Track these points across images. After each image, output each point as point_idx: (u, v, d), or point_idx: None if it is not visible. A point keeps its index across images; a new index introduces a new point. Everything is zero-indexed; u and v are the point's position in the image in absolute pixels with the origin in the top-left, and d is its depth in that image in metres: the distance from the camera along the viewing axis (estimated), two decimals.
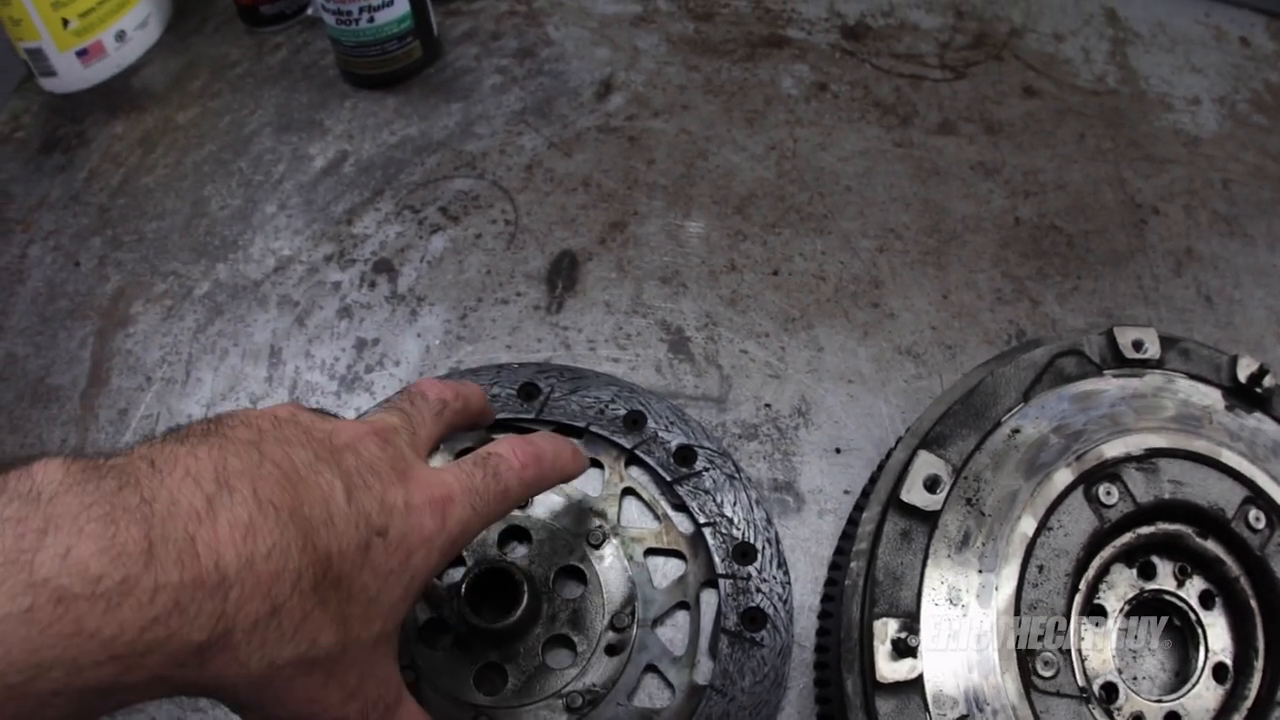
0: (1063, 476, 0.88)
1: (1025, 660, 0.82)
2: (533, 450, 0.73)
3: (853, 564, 0.87)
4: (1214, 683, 0.91)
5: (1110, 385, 0.95)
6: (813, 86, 1.23)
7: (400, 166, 1.15)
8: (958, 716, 0.79)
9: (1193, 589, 0.94)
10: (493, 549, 0.92)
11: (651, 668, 0.88)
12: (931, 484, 0.85)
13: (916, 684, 0.79)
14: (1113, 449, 0.91)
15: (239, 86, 1.25)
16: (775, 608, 0.89)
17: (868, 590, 0.83)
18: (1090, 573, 0.91)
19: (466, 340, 1.03)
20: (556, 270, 1.07)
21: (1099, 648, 0.91)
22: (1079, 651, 0.89)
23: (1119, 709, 0.88)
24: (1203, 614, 0.93)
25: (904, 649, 0.79)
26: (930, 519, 0.85)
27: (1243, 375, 0.96)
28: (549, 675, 0.88)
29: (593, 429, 0.96)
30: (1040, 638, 0.83)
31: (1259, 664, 0.90)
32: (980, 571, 0.84)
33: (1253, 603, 0.92)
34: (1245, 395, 0.96)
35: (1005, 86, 1.27)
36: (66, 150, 1.25)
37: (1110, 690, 0.89)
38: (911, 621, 0.81)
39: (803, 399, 0.99)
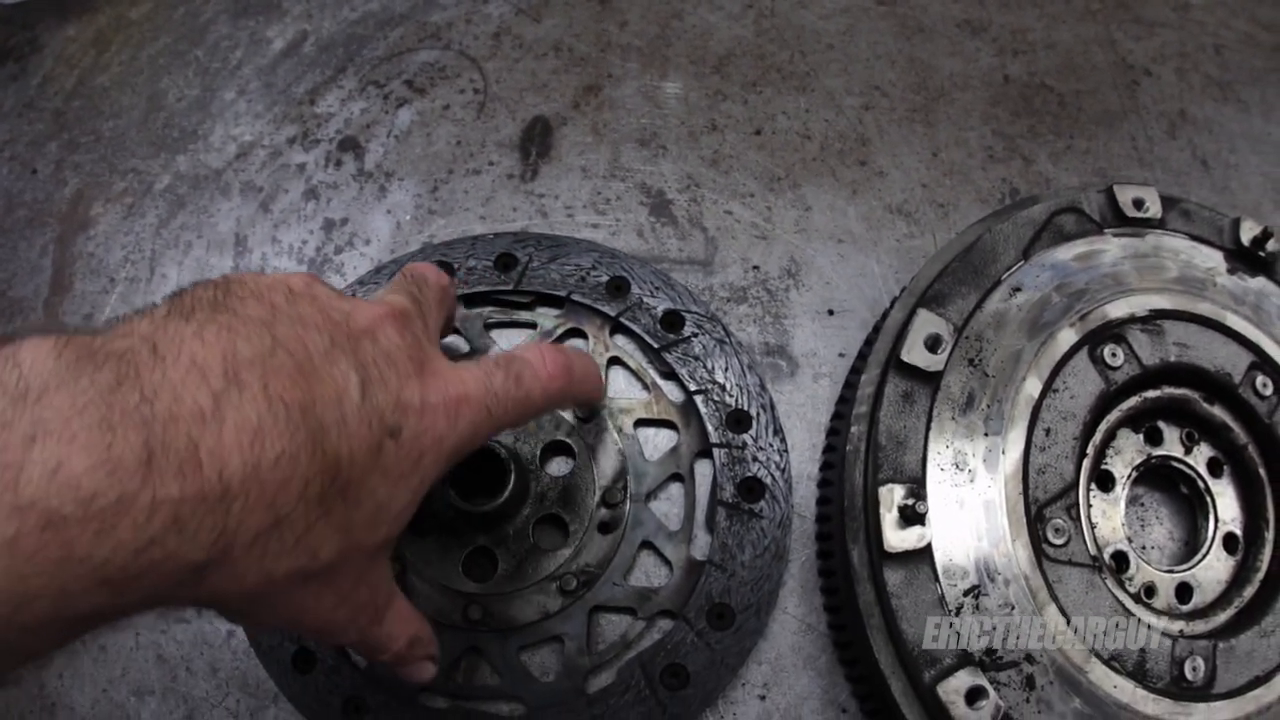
0: (1067, 336, 0.79)
1: (1035, 527, 0.73)
2: (563, 360, 0.61)
3: (853, 428, 0.78)
4: (1225, 553, 0.84)
5: (1111, 244, 0.86)
6: None
7: (362, 42, 0.99)
8: (969, 587, 0.70)
9: (1200, 456, 0.86)
10: None
11: (647, 544, 0.78)
12: (932, 343, 0.76)
13: (925, 553, 0.70)
14: (1116, 309, 0.81)
15: None
16: (773, 477, 0.77)
17: (870, 455, 0.75)
18: (1097, 438, 0.82)
19: (439, 214, 0.89)
20: (529, 137, 0.92)
21: (1108, 515, 0.82)
22: (1089, 519, 0.80)
23: (1130, 579, 0.80)
24: (1211, 482, 0.85)
25: (911, 516, 0.70)
26: (932, 380, 0.76)
27: (1246, 238, 0.86)
28: (541, 557, 0.76)
29: (574, 297, 0.83)
30: (1050, 504, 0.75)
31: (1269, 535, 0.83)
32: (986, 435, 0.76)
33: (1261, 471, 0.84)
34: (1248, 259, 0.87)
35: None
36: (19, 59, 1.09)
37: (1121, 559, 0.81)
38: (918, 487, 0.73)
39: (792, 260, 0.87)
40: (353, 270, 0.88)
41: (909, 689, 0.69)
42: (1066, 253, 0.83)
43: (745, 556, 0.76)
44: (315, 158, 0.95)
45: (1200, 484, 0.85)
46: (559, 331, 0.83)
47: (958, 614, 0.69)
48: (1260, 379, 0.84)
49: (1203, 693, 0.72)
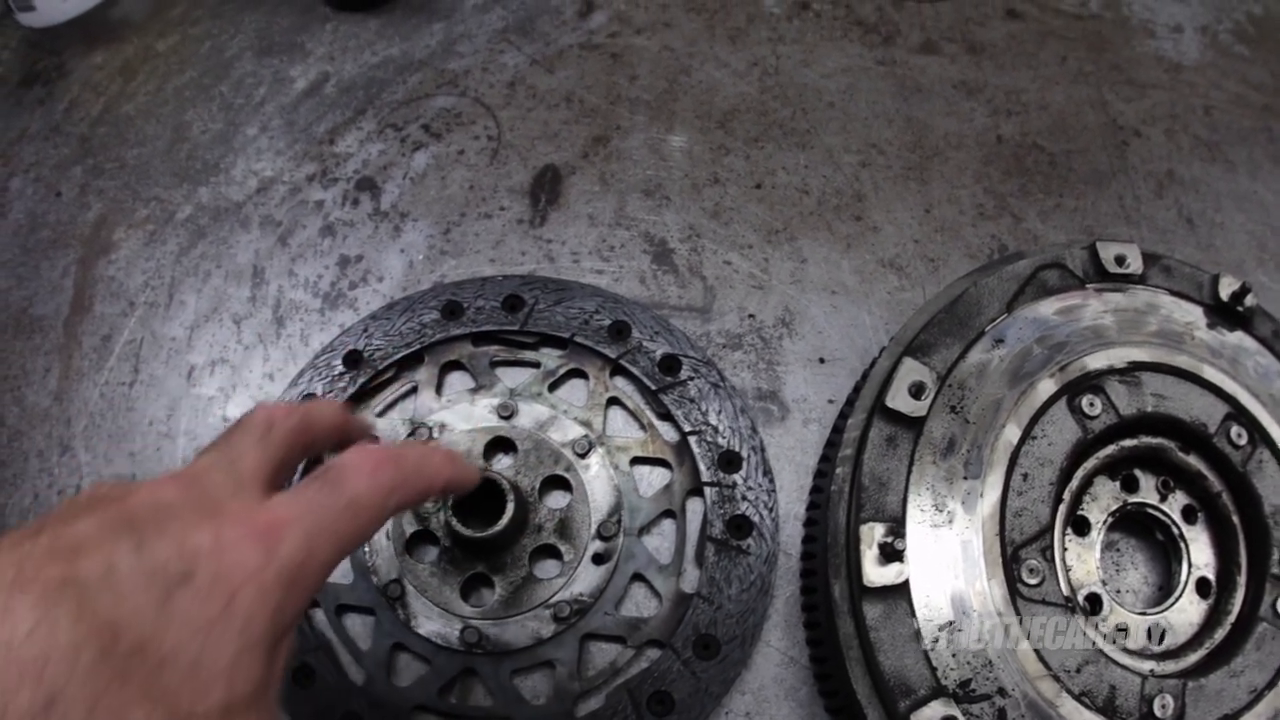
0: (1046, 386, 0.85)
1: (1011, 568, 0.79)
2: (387, 455, 0.58)
3: (838, 470, 0.83)
4: (1197, 597, 0.89)
5: (1093, 299, 0.92)
6: (795, 5, 1.16)
7: (382, 86, 1.08)
8: (945, 622, 0.76)
9: (1175, 503, 0.92)
10: (478, 460, 0.87)
11: (638, 576, 0.85)
12: (916, 390, 0.82)
13: (903, 589, 0.76)
14: (1095, 361, 0.88)
15: (219, 13, 1.17)
16: (761, 515, 0.85)
17: (854, 495, 0.81)
18: (1074, 484, 0.89)
19: (450, 254, 0.97)
20: (539, 184, 1.01)
21: (1083, 559, 0.88)
22: (1064, 562, 0.86)
23: (1103, 620, 0.86)
24: (1185, 528, 0.91)
25: (891, 553, 0.77)
26: (915, 425, 0.82)
27: (1225, 293, 0.92)
28: (536, 586, 0.83)
29: (577, 339, 0.91)
30: (1026, 545, 0.81)
31: (1241, 579, 0.88)
32: (966, 478, 0.81)
33: (1235, 519, 0.90)
34: (1227, 313, 0.93)
35: (988, 8, 1.21)
36: (46, 83, 1.18)
37: (1094, 601, 0.87)
38: (898, 526, 0.79)
39: (786, 309, 0.94)
40: (365, 306, 0.96)
41: (885, 719, 0.75)
42: (1049, 307, 0.90)
43: (732, 591, 0.83)
44: (333, 195, 1.03)
45: (1175, 530, 0.91)
46: (561, 372, 0.90)
47: (934, 648, 0.74)
48: (1235, 429, 0.89)
49: None
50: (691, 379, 0.89)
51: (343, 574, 0.85)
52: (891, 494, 0.79)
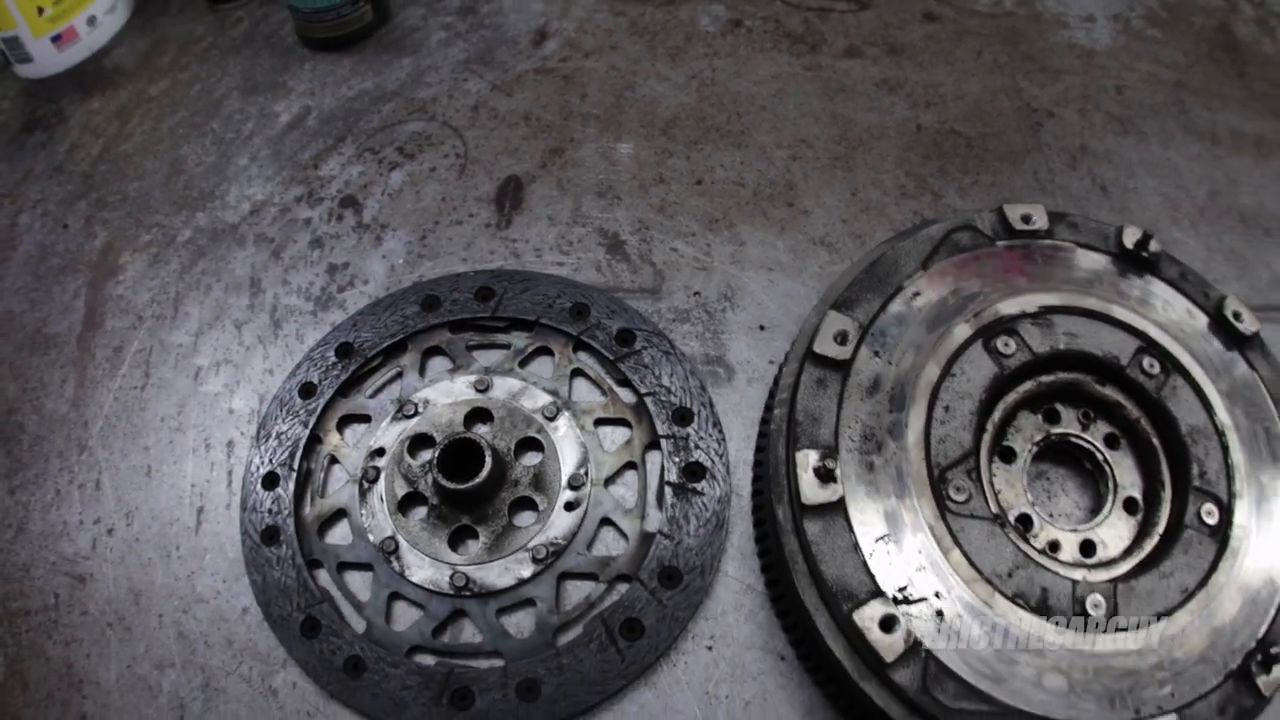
0: (962, 330, 0.94)
1: (939, 487, 0.87)
2: None
3: (776, 411, 0.92)
4: (1125, 514, 0.97)
5: (1001, 254, 0.99)
6: (728, 23, 1.31)
7: (359, 116, 1.23)
8: (880, 534, 0.84)
9: (1098, 432, 1.00)
10: (460, 427, 0.99)
11: (606, 520, 0.96)
12: (841, 338, 0.91)
13: (839, 505, 0.84)
14: (1008, 307, 0.97)
15: (206, 58, 1.32)
16: (713, 460, 0.97)
17: (790, 430, 0.88)
18: (996, 416, 0.97)
19: (427, 257, 1.11)
20: (504, 193, 1.14)
21: (1012, 484, 0.97)
22: (991, 485, 0.94)
23: (1035, 536, 0.94)
24: (1109, 454, 0.99)
25: (826, 475, 0.85)
26: (842, 367, 0.91)
27: (1129, 242, 1.01)
28: (516, 533, 0.95)
29: (543, 321, 1.04)
30: (952, 468, 0.88)
31: (1166, 495, 0.96)
32: (891, 411, 0.90)
33: (1155, 441, 0.98)
34: (1134, 260, 1.02)
35: (907, 14, 1.36)
36: (46, 128, 1.32)
37: (1026, 521, 0.95)
38: (831, 451, 0.86)
39: (728, 286, 1.07)
40: (353, 305, 1.07)
41: (831, 623, 0.81)
42: (962, 262, 0.98)
43: (690, 527, 0.95)
44: (320, 213, 1.15)
45: (1099, 456, 0.98)
46: (529, 350, 1.02)
47: (871, 556, 0.82)
48: (1147, 360, 0.97)
49: (1106, 626, 0.84)
50: (645, 348, 1.02)
51: (342, 536, 0.97)
52: (824, 427, 0.87)
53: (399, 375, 1.04)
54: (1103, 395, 0.99)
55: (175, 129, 1.26)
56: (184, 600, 0.96)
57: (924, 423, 0.90)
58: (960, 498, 0.88)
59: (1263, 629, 0.88)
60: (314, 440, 1.01)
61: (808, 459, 0.85)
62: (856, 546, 0.83)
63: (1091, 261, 1.02)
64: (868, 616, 0.80)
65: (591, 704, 0.88)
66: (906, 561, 0.83)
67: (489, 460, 0.92)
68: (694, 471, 0.96)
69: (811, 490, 0.84)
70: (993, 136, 1.24)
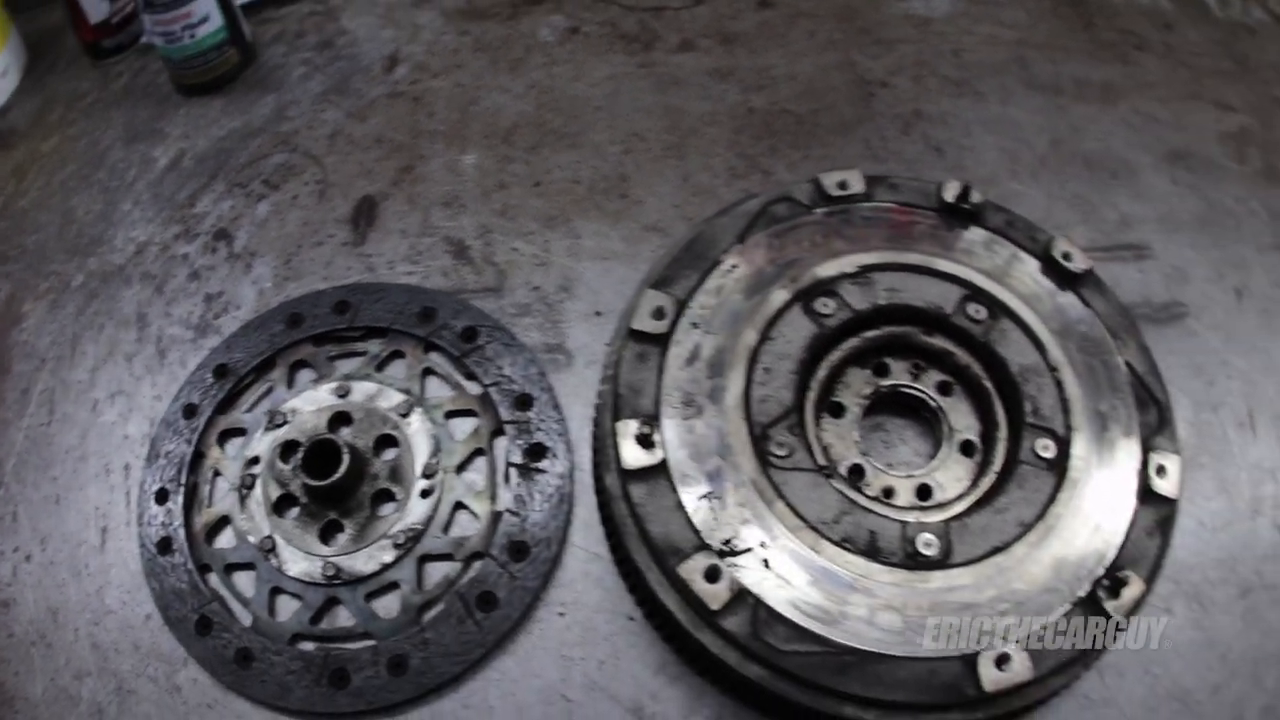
0: (780, 296, 0.99)
1: (760, 444, 0.92)
2: None
3: (602, 387, 0.99)
4: (962, 457, 1.01)
5: (821, 221, 1.05)
6: (566, 32, 1.40)
7: (229, 153, 1.32)
8: (704, 493, 0.89)
9: (929, 380, 1.05)
10: (323, 431, 1.09)
11: (459, 504, 1.05)
12: (657, 313, 0.97)
13: (662, 468, 0.90)
14: (826, 270, 1.02)
15: (91, 112, 1.42)
16: (553, 441, 1.07)
17: (615, 403, 0.94)
18: (820, 374, 1.03)
19: (292, 279, 1.20)
20: (359, 212, 1.24)
21: (842, 437, 1.02)
22: (819, 440, 1.00)
23: (868, 485, 0.99)
24: (942, 400, 1.04)
25: (646, 441, 0.91)
26: (661, 340, 0.97)
27: (949, 196, 1.05)
28: (378, 522, 1.05)
29: (395, 327, 1.13)
30: (773, 425, 0.94)
31: (1001, 434, 1.00)
32: (710, 378, 0.95)
33: (987, 384, 1.02)
34: (957, 213, 1.06)
35: (742, 4, 1.44)
36: None
37: (858, 471, 1.00)
38: (651, 420, 0.92)
39: (565, 278, 1.17)
40: (228, 330, 1.16)
41: (662, 579, 0.87)
42: (778, 232, 1.03)
43: (535, 504, 1.04)
44: (196, 248, 1.24)
45: (932, 404, 1.03)
46: (384, 354, 1.11)
47: (695, 513, 0.87)
48: (973, 307, 1.00)
49: (940, 564, 0.88)
50: (488, 343, 1.11)
51: (228, 540, 1.07)
52: (645, 398, 0.93)
53: (270, 389, 1.14)
54: (931, 345, 1.04)
55: (66, 182, 1.36)
56: (95, 613, 1.06)
57: (743, 385, 0.95)
58: (782, 453, 0.93)
59: (1111, 555, 0.91)
60: (198, 456, 1.11)
61: (628, 428, 0.92)
62: (680, 505, 0.89)
63: (911, 218, 1.06)
64: (692, 569, 0.85)
65: (455, 674, 0.97)
66: (731, 516, 0.88)
67: (346, 458, 1.02)
68: (536, 452, 1.06)
69: (633, 456, 0.90)
70: (824, 111, 1.32)
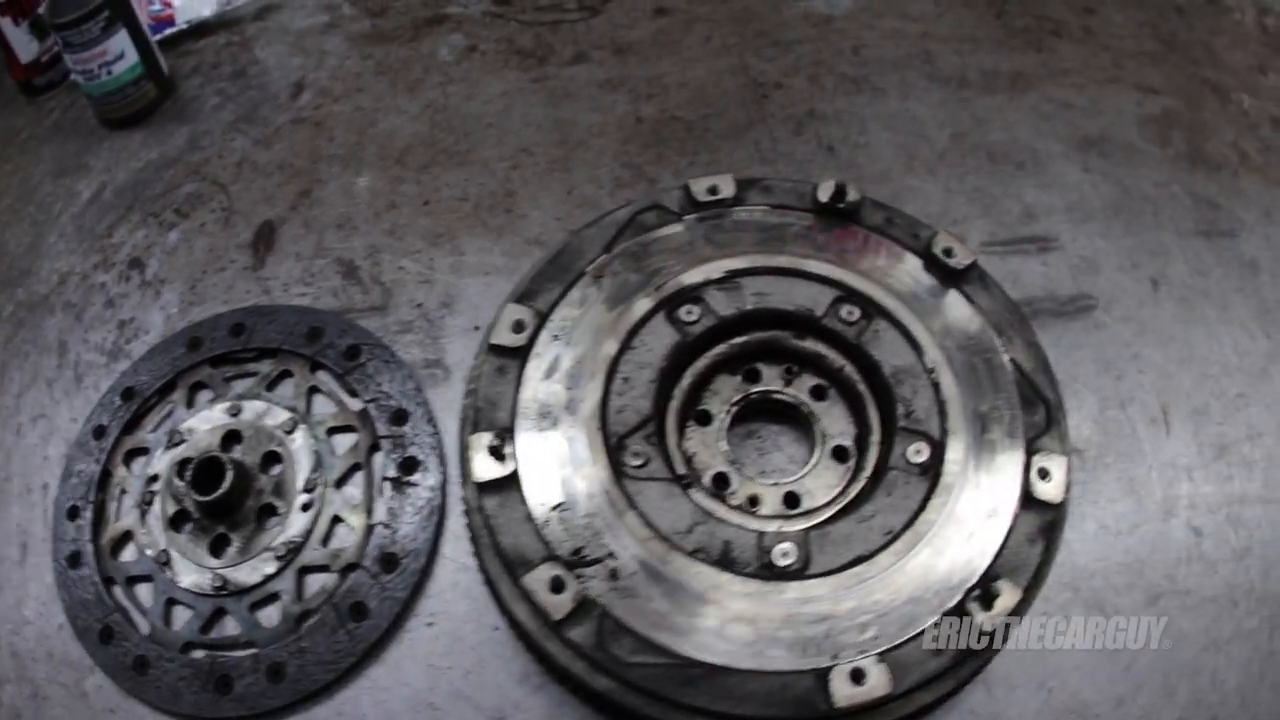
0: (643, 304, 1.01)
1: (616, 454, 0.94)
2: None
3: (465, 401, 1.01)
4: (835, 463, 1.01)
5: (689, 228, 1.07)
6: (464, 50, 1.44)
7: (146, 185, 1.38)
8: (555, 504, 0.91)
9: (803, 385, 1.05)
10: (216, 449, 1.15)
11: (337, 518, 1.10)
12: (517, 327, 1.00)
13: (513, 481, 0.92)
14: (692, 277, 1.03)
15: (25, 148, 1.49)
16: (426, 455, 1.12)
17: (472, 417, 0.97)
18: (685, 382, 1.04)
19: (196, 304, 1.26)
20: (259, 237, 1.29)
21: (708, 445, 1.03)
22: (681, 449, 1.01)
23: (733, 494, 0.99)
24: (815, 405, 1.04)
25: (498, 454, 0.92)
26: (520, 354, 0.99)
27: (823, 196, 1.05)
28: (262, 535, 1.10)
29: (284, 347, 1.19)
30: (630, 435, 0.96)
31: (875, 439, 1.00)
32: (568, 389, 0.98)
33: (861, 387, 1.02)
34: (832, 213, 1.06)
35: (638, 12, 1.46)
36: None
37: (722, 480, 1.00)
38: (505, 433, 0.95)
39: (448, 294, 1.21)
40: (137, 353, 1.23)
41: (513, 589, 0.88)
42: (646, 241, 1.04)
43: (407, 516, 1.08)
44: (112, 277, 1.30)
45: (804, 409, 1.04)
46: (274, 374, 1.16)
47: (546, 525, 0.89)
48: (846, 308, 1.00)
49: (798, 574, 0.88)
50: (369, 360, 1.17)
51: (130, 554, 1.13)
52: (501, 410, 0.96)
53: (171, 410, 1.20)
54: (803, 349, 1.04)
55: (0, 215, 1.45)
56: (15, 624, 1.13)
57: (600, 395, 0.97)
58: (637, 463, 0.94)
59: (985, 564, 0.89)
60: (105, 475, 1.18)
61: (481, 440, 0.94)
62: (530, 517, 0.91)
63: (784, 220, 1.07)
64: (536, 579, 0.86)
65: (328, 681, 1.02)
66: (581, 527, 0.90)
67: (230, 474, 1.07)
68: (409, 466, 1.11)
69: (484, 469, 0.92)
70: (714, 116, 1.34)
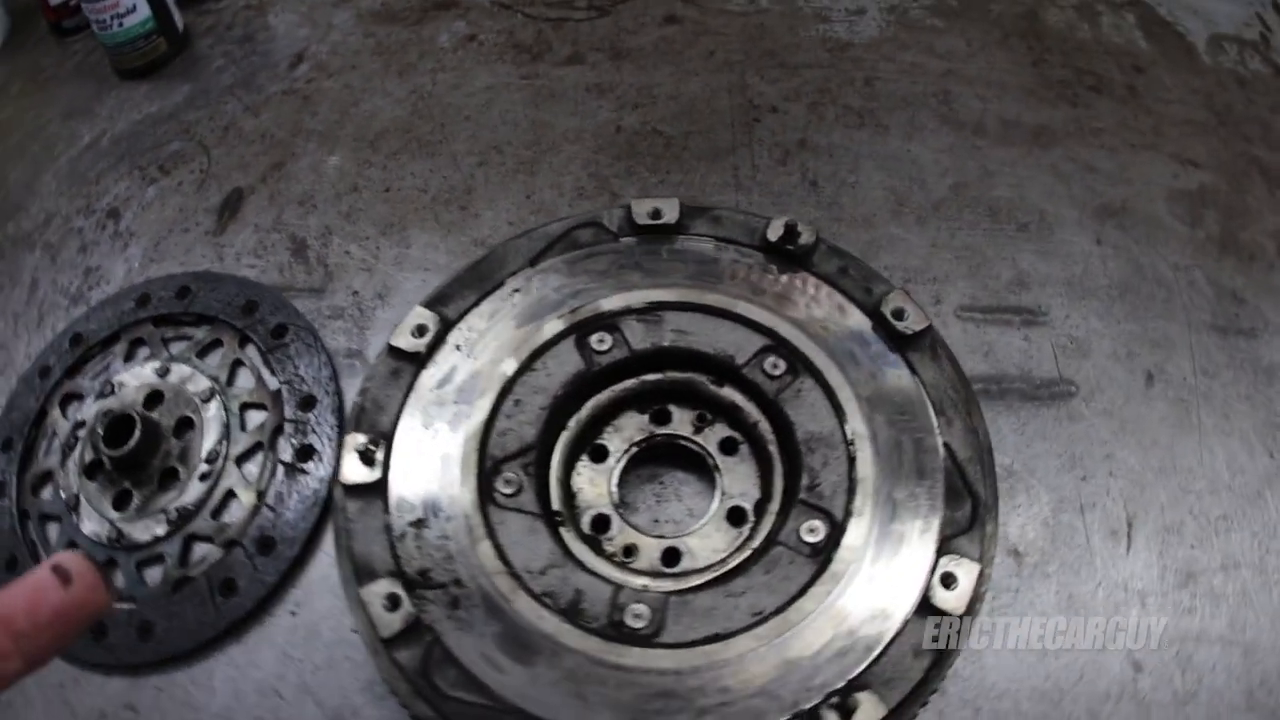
0: (554, 325, 0.97)
1: (488, 479, 0.90)
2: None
3: (355, 399, 0.96)
4: (728, 525, 0.95)
5: (622, 251, 1.01)
6: (464, 39, 1.43)
7: (139, 137, 1.42)
8: (415, 519, 0.88)
9: (714, 435, 0.99)
10: (140, 406, 1.18)
11: (231, 493, 1.11)
12: (418, 331, 0.96)
13: (378, 487, 0.89)
14: (611, 303, 0.98)
15: (45, 88, 1.56)
16: (323, 445, 1.12)
17: (354, 415, 0.95)
18: (584, 414, 0.99)
19: (155, 261, 1.29)
20: (226, 204, 1.31)
21: (596, 483, 0.98)
22: (563, 483, 0.96)
23: (610, 539, 0.95)
24: (721, 459, 0.98)
25: (368, 459, 0.90)
26: (418, 359, 0.96)
27: (773, 235, 0.99)
28: (160, 496, 1.12)
29: (220, 317, 1.20)
30: (508, 460, 0.91)
31: (774, 508, 0.93)
32: (456, 403, 0.94)
33: (772, 448, 0.96)
34: (782, 254, 1.00)
35: (647, 17, 1.42)
36: None
37: (603, 522, 0.96)
38: (381, 438, 0.92)
39: (385, 285, 1.20)
40: (95, 301, 1.27)
41: (356, 597, 0.84)
42: (574, 259, 1.00)
43: (292, 503, 1.08)
44: (90, 223, 1.34)
45: (709, 461, 0.97)
46: (206, 341, 1.19)
47: (401, 539, 0.86)
48: (771, 360, 0.94)
49: (646, 639, 0.82)
50: (293, 342, 1.17)
51: (49, 494, 1.17)
52: (386, 415, 0.93)
53: (109, 362, 1.24)
54: (719, 396, 0.98)
55: (8, 151, 1.50)
56: None
57: (488, 415, 0.93)
58: (508, 490, 0.90)
59: (857, 669, 0.80)
60: (42, 414, 1.22)
61: (354, 441, 0.91)
62: (388, 528, 0.88)
63: (727, 255, 1.01)
64: (373, 593, 0.83)
65: (188, 649, 1.04)
66: (434, 547, 0.87)
67: (138, 432, 1.10)
68: (305, 453, 1.11)
69: (352, 471, 0.90)
70: (697, 135, 1.29)
